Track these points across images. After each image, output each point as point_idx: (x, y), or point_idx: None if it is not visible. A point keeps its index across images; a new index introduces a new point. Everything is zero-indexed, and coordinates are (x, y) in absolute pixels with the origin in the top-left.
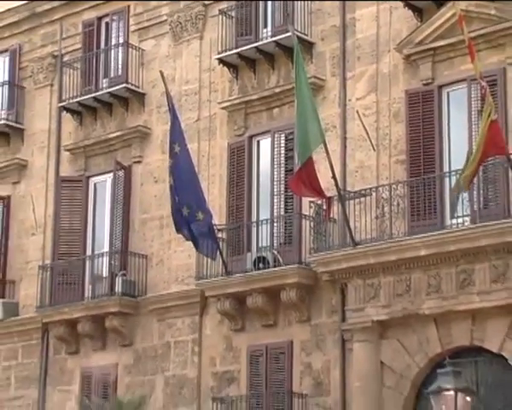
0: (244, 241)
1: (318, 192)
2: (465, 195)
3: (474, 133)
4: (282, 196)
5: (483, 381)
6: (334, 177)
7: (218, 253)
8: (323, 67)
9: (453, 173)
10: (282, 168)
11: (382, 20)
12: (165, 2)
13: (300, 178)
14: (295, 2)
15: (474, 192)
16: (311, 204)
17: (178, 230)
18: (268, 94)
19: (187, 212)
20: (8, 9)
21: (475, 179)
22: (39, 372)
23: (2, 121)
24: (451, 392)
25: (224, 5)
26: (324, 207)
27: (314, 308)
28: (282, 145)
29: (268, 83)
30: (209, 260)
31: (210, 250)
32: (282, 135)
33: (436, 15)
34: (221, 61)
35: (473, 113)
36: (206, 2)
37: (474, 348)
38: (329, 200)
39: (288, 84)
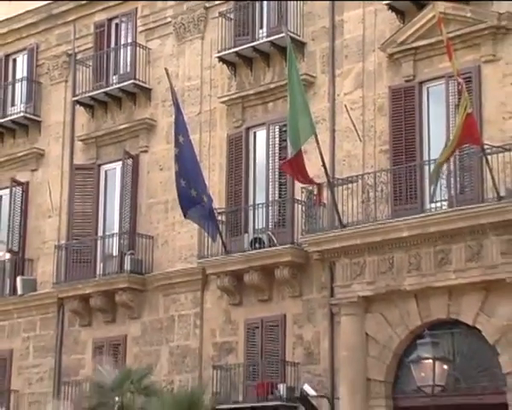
0: (242, 223)
1: (306, 180)
2: (443, 181)
3: (451, 125)
4: (277, 182)
5: (459, 351)
6: (323, 165)
7: (218, 234)
8: (314, 65)
9: (432, 162)
10: (277, 157)
11: (368, 22)
12: (169, 4)
13: (291, 165)
14: (289, 5)
15: (452, 179)
16: (303, 190)
17: (185, 214)
18: (263, 89)
19: (195, 194)
20: (27, 11)
21: (452, 167)
22: (55, 343)
23: (22, 114)
24: (430, 361)
25: (223, 8)
26: (315, 192)
27: (305, 285)
28: (277, 136)
29: (263, 79)
30: (210, 240)
31: (211, 232)
32: (277, 127)
33: (417, 17)
34: (221, 59)
35: (450, 107)
36: (207, 5)
37: (451, 321)
38: (320, 186)
39: (281, 81)
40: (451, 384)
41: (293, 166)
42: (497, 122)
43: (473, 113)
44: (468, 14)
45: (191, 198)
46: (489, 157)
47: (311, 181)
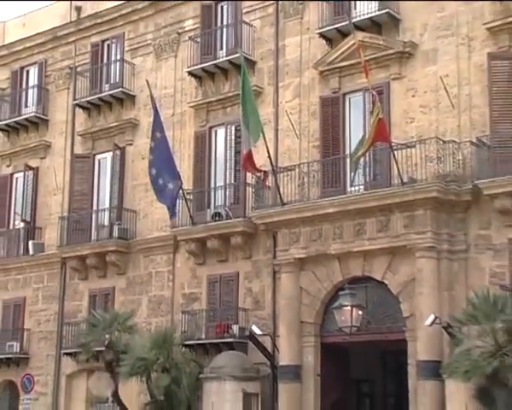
0: (205, 201)
1: (256, 170)
2: (360, 171)
3: (366, 127)
4: (233, 169)
5: (370, 300)
6: (269, 156)
7: (187, 209)
8: (262, 79)
9: (353, 156)
10: (233, 150)
11: (304, 46)
12: (149, 29)
13: (248, 161)
14: (243, 32)
15: (367, 168)
16: (253, 176)
17: (159, 198)
18: (223, 97)
19: (161, 182)
20: (37, 33)
21: (368, 159)
22: (59, 292)
23: (33, 114)
24: (348, 307)
25: (192, 33)
26: (262, 178)
27: (254, 249)
28: (233, 134)
29: (223, 89)
30: (180, 214)
31: (172, 210)
32: (233, 126)
33: (341, 44)
34: (190, 73)
35: (366, 113)
36: (180, 31)
37: (365, 277)
38: (265, 173)
39: (237, 91)
40: (365, 325)
41: (250, 161)
42: (402, 125)
43: (383, 118)
44: (381, 42)
45: (159, 185)
46: (395, 152)
47: (259, 170)
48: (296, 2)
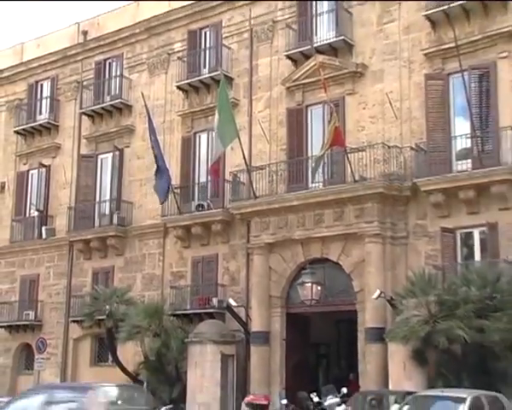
0: (190, 194)
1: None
2: (320, 170)
3: (325, 134)
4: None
5: (327, 277)
6: (244, 158)
7: (175, 201)
8: (238, 92)
9: (314, 158)
10: (214, 152)
11: (273, 66)
12: (144, 50)
13: (215, 169)
14: (223, 53)
15: (325, 168)
16: (231, 173)
17: (155, 187)
18: (206, 108)
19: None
20: (49, 53)
21: (326, 160)
22: (67, 270)
23: (46, 120)
24: (309, 284)
25: (180, 54)
26: (238, 176)
27: (231, 235)
28: (214, 138)
29: (206, 101)
30: (170, 205)
31: (162, 197)
32: (214, 132)
33: (304, 64)
34: (178, 87)
35: (325, 122)
36: (170, 52)
37: (323, 259)
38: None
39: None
40: (323, 298)
41: (215, 169)
42: (354, 132)
43: (339, 126)
44: (337, 63)
45: (165, 173)
46: (349, 155)
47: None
48: (267, 30)
